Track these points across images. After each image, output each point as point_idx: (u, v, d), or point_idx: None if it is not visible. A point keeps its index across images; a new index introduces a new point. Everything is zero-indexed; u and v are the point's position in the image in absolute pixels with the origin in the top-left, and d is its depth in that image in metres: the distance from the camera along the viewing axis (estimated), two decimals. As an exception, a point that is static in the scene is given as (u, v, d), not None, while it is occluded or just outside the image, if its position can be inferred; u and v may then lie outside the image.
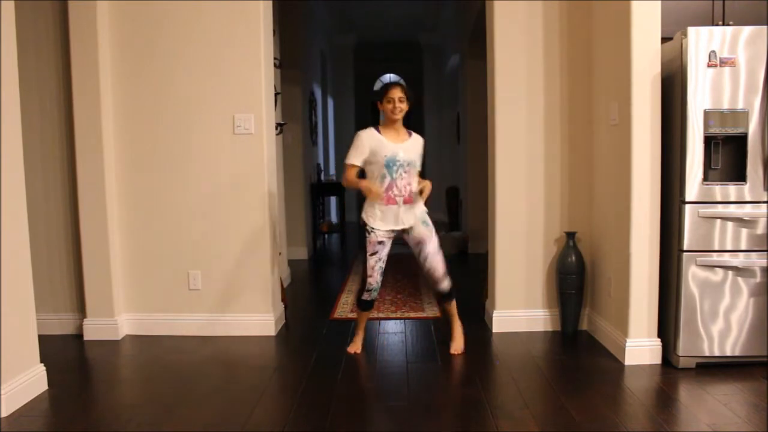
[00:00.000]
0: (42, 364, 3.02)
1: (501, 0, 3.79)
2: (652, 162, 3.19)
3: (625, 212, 3.27)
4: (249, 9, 3.76)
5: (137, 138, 3.87)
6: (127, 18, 3.79)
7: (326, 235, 8.50)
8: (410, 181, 3.36)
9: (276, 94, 4.80)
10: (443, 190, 8.38)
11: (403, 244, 3.51)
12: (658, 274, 3.24)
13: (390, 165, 3.31)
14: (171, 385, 3.12)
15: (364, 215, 3.44)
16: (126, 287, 3.95)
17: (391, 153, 3.32)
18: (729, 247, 3.12)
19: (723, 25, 3.36)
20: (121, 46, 3.81)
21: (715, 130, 3.07)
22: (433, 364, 3.38)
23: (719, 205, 3.11)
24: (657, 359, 3.25)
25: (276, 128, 4.48)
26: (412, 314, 4.36)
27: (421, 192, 3.36)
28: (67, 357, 3.57)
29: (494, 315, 3.91)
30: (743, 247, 3.12)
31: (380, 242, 3.41)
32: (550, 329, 3.92)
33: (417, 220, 3.40)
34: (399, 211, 3.36)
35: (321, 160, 8.43)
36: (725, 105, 3.07)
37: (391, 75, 12.83)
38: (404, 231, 3.42)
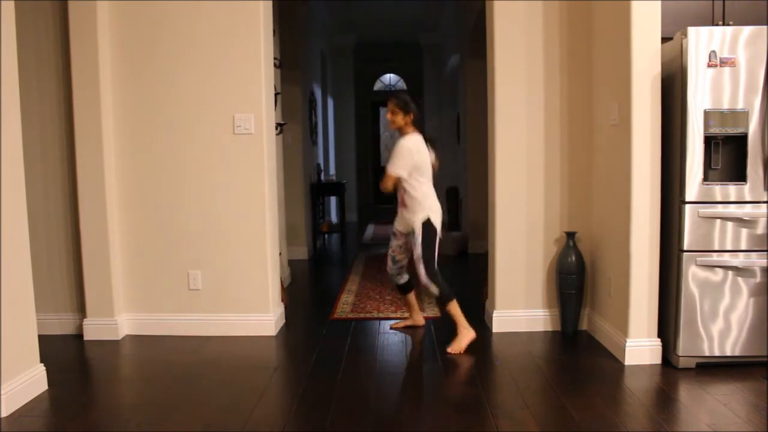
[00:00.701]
0: (42, 364, 3.02)
1: (501, 0, 3.79)
2: (652, 162, 3.19)
3: (625, 212, 3.27)
4: (249, 9, 3.76)
5: (137, 138, 3.87)
6: (127, 18, 3.79)
7: (326, 235, 8.50)
8: (405, 188, 3.64)
9: (276, 94, 4.80)
10: (443, 190, 8.38)
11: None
12: (658, 274, 3.24)
13: None
14: (171, 385, 3.11)
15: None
16: (126, 287, 3.95)
17: None
18: (729, 247, 3.12)
19: (723, 25, 3.36)
20: (121, 46, 3.81)
21: (715, 130, 3.07)
22: (433, 364, 3.38)
23: (719, 205, 3.11)
24: (657, 359, 3.25)
25: (276, 128, 4.47)
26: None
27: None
28: (67, 357, 3.57)
29: (494, 315, 3.91)
30: (743, 247, 3.12)
31: (393, 233, 3.87)
32: (550, 329, 3.92)
33: (407, 227, 3.68)
34: (401, 213, 3.75)
35: (321, 160, 8.43)
36: (725, 105, 3.07)
37: (391, 75, 12.85)
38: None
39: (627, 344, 3.25)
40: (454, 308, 3.59)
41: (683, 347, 3.16)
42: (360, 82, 11.72)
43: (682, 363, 3.17)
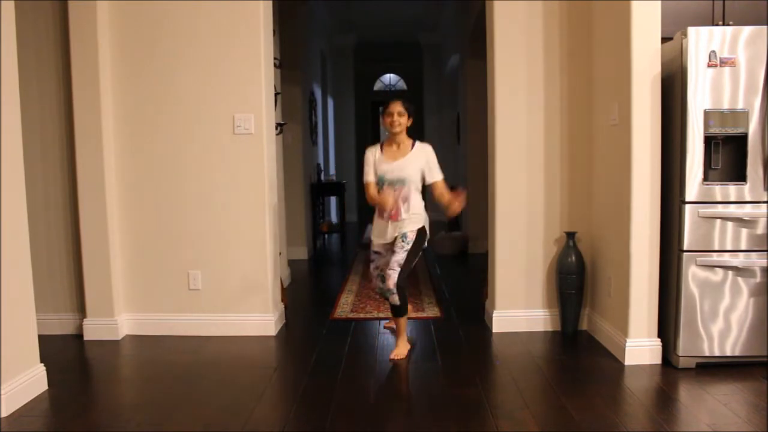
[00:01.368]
0: (42, 364, 3.02)
1: (501, 0, 3.79)
2: (652, 162, 3.19)
3: (625, 212, 3.27)
4: (249, 9, 3.76)
5: (137, 138, 3.87)
6: (127, 18, 3.79)
7: (326, 235, 8.50)
8: (413, 196, 3.48)
9: (276, 94, 4.80)
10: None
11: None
12: (658, 274, 3.24)
13: (380, 182, 3.51)
14: (171, 385, 3.11)
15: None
16: (126, 287, 3.95)
17: (381, 171, 3.50)
18: (729, 247, 3.12)
19: (723, 25, 3.36)
20: (121, 46, 3.81)
21: (715, 130, 3.07)
22: (433, 364, 3.37)
23: (719, 205, 3.11)
24: (657, 359, 3.25)
25: (276, 128, 4.47)
26: (412, 314, 4.35)
27: (448, 207, 3.47)
28: (67, 357, 3.57)
29: (494, 315, 3.91)
30: (743, 247, 3.12)
31: (376, 252, 3.66)
32: (550, 329, 3.92)
33: (398, 234, 3.49)
34: (386, 226, 3.53)
35: (321, 160, 8.43)
36: (725, 105, 3.07)
37: (391, 75, 12.85)
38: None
39: (627, 344, 3.25)
40: (404, 322, 3.52)
41: (683, 347, 3.16)
42: (360, 82, 11.71)
43: (682, 363, 3.17)
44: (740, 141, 3.08)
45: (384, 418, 2.72)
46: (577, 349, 3.62)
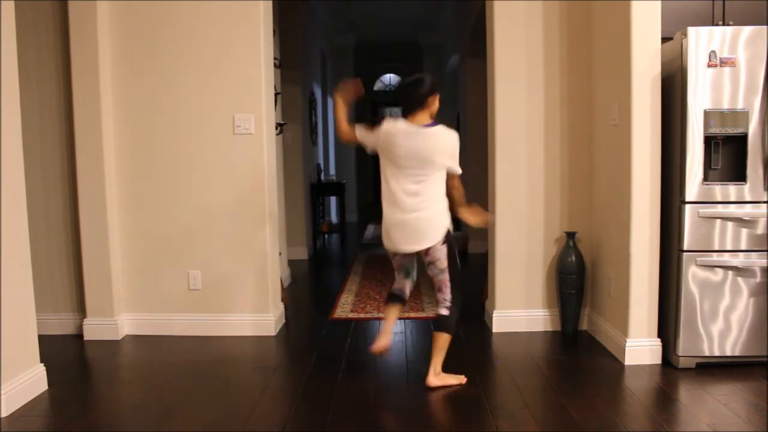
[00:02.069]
0: (42, 364, 3.02)
1: (501, 0, 3.78)
2: (652, 162, 3.19)
3: (625, 212, 3.27)
4: (249, 9, 3.76)
5: (137, 138, 3.87)
6: (127, 18, 3.79)
7: (326, 235, 8.50)
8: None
9: (276, 94, 4.80)
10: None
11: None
12: (658, 274, 3.24)
13: None
14: (171, 385, 3.11)
15: (449, 223, 2.99)
16: (126, 287, 3.94)
17: None
18: (729, 247, 3.12)
19: (723, 25, 3.36)
20: (121, 46, 3.81)
21: (715, 130, 3.07)
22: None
23: (719, 205, 3.11)
24: (657, 359, 3.25)
25: (276, 128, 4.47)
26: (412, 314, 4.36)
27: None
28: (67, 357, 3.57)
29: (494, 315, 3.91)
30: (743, 247, 3.12)
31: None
32: (550, 329, 3.92)
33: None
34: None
35: (321, 160, 8.43)
36: (725, 105, 3.07)
37: (391, 75, 12.85)
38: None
39: (627, 344, 3.25)
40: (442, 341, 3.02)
41: (683, 347, 3.16)
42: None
43: (682, 363, 3.17)
44: (740, 141, 3.08)
45: (384, 418, 2.72)
46: (577, 349, 3.62)
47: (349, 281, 5.54)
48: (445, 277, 2.96)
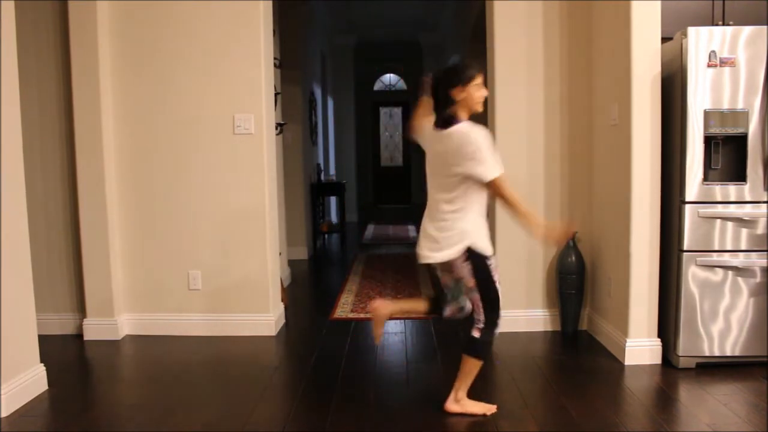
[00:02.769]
0: (42, 364, 3.02)
1: (501, 0, 3.79)
2: (652, 162, 3.19)
3: (625, 212, 3.27)
4: (249, 9, 3.76)
5: (137, 138, 3.87)
6: (127, 18, 3.79)
7: (326, 235, 8.50)
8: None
9: (276, 94, 4.80)
10: None
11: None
12: (658, 274, 3.24)
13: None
14: (171, 385, 3.11)
15: (476, 238, 2.58)
16: (126, 287, 3.95)
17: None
18: (729, 247, 3.12)
19: (723, 25, 3.36)
20: (122, 46, 3.81)
21: (715, 130, 3.07)
22: (433, 364, 3.37)
23: (719, 205, 3.11)
24: (657, 359, 3.25)
25: (276, 128, 4.47)
26: (412, 314, 4.35)
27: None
28: (67, 357, 3.57)
29: (494, 315, 3.91)
30: (743, 247, 3.12)
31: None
32: (550, 329, 3.92)
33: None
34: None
35: (321, 160, 8.43)
36: (725, 105, 3.07)
37: (391, 75, 12.85)
38: None
39: (627, 344, 3.25)
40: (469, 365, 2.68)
41: (683, 347, 3.16)
42: (360, 82, 11.71)
43: (682, 363, 3.17)
44: (740, 141, 3.08)
45: (384, 418, 2.72)
46: (577, 349, 3.62)
47: (349, 281, 5.54)
48: (476, 297, 2.59)
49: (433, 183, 2.63)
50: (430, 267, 2.69)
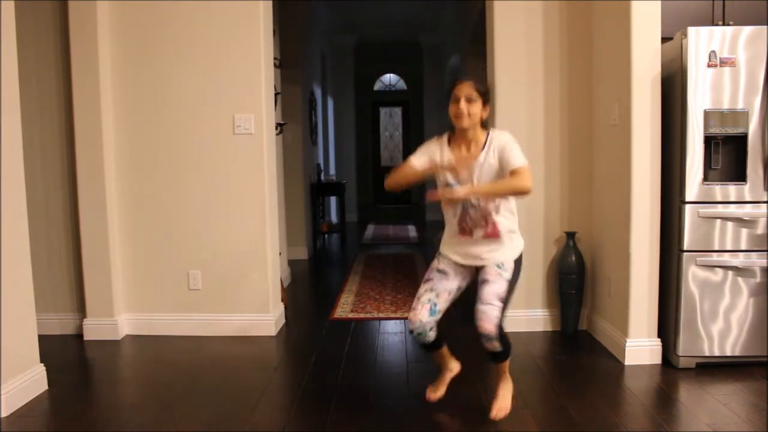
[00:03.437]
0: (42, 364, 3.02)
1: (501, 0, 3.79)
2: (652, 162, 3.20)
3: (625, 212, 3.27)
4: (249, 9, 3.76)
5: (137, 138, 3.87)
6: (127, 18, 3.79)
7: (326, 235, 8.50)
8: (490, 211, 2.54)
9: (276, 94, 4.79)
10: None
11: (464, 300, 2.77)
12: (658, 274, 3.24)
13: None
14: (171, 385, 3.11)
15: (444, 236, 2.71)
16: (126, 287, 3.95)
17: (448, 179, 2.53)
18: (729, 247, 3.12)
19: (723, 25, 3.36)
20: (122, 46, 3.81)
21: (715, 130, 3.07)
22: (433, 365, 3.37)
23: (719, 205, 3.11)
24: (657, 359, 3.25)
25: (276, 128, 4.47)
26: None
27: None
28: (67, 357, 3.57)
29: (494, 315, 3.91)
30: (743, 247, 3.12)
31: (440, 270, 2.62)
32: (550, 329, 3.92)
33: (492, 260, 2.56)
34: (474, 245, 2.58)
35: (321, 160, 8.43)
36: (725, 105, 3.07)
37: (391, 75, 12.85)
38: (477, 269, 2.61)
39: (627, 344, 3.25)
40: (506, 366, 2.68)
41: (683, 347, 3.16)
42: (360, 82, 11.71)
43: (682, 363, 3.17)
44: (740, 141, 3.08)
45: (384, 418, 2.72)
46: (577, 349, 3.62)
47: (349, 281, 5.54)
48: None
49: None
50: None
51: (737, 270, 3.12)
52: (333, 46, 10.49)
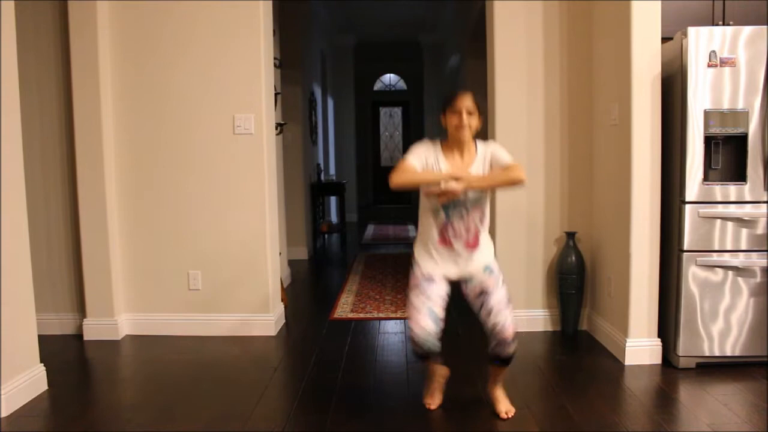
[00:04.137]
0: (42, 364, 3.02)
1: (501, 0, 3.79)
2: (652, 162, 3.19)
3: (625, 212, 3.27)
4: (249, 9, 3.76)
5: (137, 138, 3.87)
6: (127, 18, 3.79)
7: (326, 235, 8.50)
8: (475, 221, 2.57)
9: (276, 94, 4.80)
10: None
11: (462, 298, 2.71)
12: (658, 274, 3.24)
13: (445, 206, 2.55)
14: (171, 385, 3.12)
15: (415, 248, 2.70)
16: (126, 287, 3.95)
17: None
18: (729, 247, 3.12)
19: (723, 25, 3.36)
20: (121, 47, 3.81)
21: (715, 130, 3.07)
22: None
23: (719, 205, 3.11)
24: (657, 359, 3.25)
25: (276, 128, 4.47)
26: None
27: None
28: (67, 357, 3.57)
29: (494, 315, 3.91)
30: (743, 247, 3.12)
31: (425, 276, 2.60)
32: (550, 329, 3.92)
33: (477, 267, 2.60)
34: (457, 257, 2.59)
35: (321, 160, 8.43)
36: (725, 105, 3.07)
37: (391, 75, 12.86)
38: (463, 281, 2.64)
39: (627, 344, 3.25)
40: (504, 373, 2.72)
41: (683, 347, 3.16)
42: (360, 82, 11.72)
43: (682, 363, 3.17)
44: (740, 141, 3.08)
45: (384, 418, 2.72)
46: (577, 349, 3.62)
47: (349, 281, 5.54)
48: None
49: None
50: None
51: (737, 270, 3.12)
52: (333, 46, 10.49)
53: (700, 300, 3.14)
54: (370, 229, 9.40)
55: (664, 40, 3.23)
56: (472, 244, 2.58)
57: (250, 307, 3.91)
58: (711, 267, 3.13)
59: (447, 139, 2.60)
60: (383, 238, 8.49)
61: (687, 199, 3.11)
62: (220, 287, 3.90)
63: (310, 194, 7.19)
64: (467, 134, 2.53)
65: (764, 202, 3.10)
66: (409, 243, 7.95)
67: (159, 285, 3.93)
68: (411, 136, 12.59)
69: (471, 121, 2.53)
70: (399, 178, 2.47)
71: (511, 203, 3.86)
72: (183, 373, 3.28)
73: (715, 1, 3.45)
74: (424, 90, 11.01)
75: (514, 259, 3.89)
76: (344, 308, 4.58)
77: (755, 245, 3.11)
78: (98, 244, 3.81)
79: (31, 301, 2.96)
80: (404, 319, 4.24)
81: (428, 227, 2.62)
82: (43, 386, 3.00)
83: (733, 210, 3.11)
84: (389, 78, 12.95)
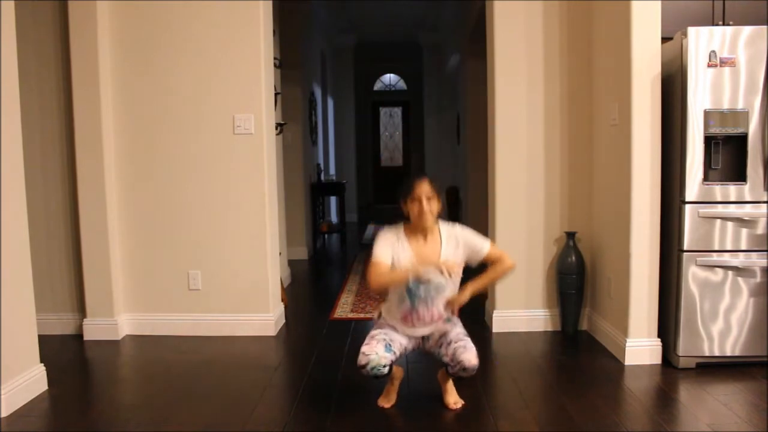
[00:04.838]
0: (42, 364, 3.02)
1: (501, 0, 3.79)
2: (652, 162, 3.19)
3: (625, 212, 3.27)
4: (249, 9, 3.76)
5: (137, 138, 3.87)
6: (127, 18, 3.79)
7: (326, 235, 8.50)
8: (439, 308, 2.66)
9: (276, 94, 4.79)
10: (443, 190, 8.37)
11: (424, 354, 2.83)
12: (658, 274, 3.24)
13: (412, 290, 2.60)
14: (171, 385, 3.11)
15: (382, 309, 2.80)
16: (126, 287, 3.94)
17: (415, 275, 2.56)
18: (729, 247, 3.12)
19: (723, 25, 3.36)
20: (122, 47, 3.81)
21: (715, 130, 3.07)
22: (433, 364, 3.36)
23: (719, 205, 3.11)
24: (657, 359, 3.25)
25: (276, 128, 4.47)
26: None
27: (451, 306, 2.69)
28: (67, 357, 3.57)
29: (494, 315, 3.91)
30: (743, 247, 3.12)
31: (390, 325, 2.73)
32: (550, 329, 3.92)
33: (438, 326, 2.72)
34: (420, 330, 2.72)
35: (321, 160, 8.43)
36: (725, 105, 3.07)
37: (391, 75, 12.85)
38: (424, 338, 2.75)
39: (627, 344, 3.25)
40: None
41: (683, 347, 3.16)
42: (360, 82, 11.72)
43: (682, 363, 3.17)
44: (740, 141, 3.08)
45: (384, 418, 2.72)
46: (577, 349, 3.62)
47: (349, 281, 5.54)
48: None
49: None
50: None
51: (737, 270, 3.12)
52: (333, 46, 10.49)
53: (700, 300, 3.14)
54: (370, 229, 9.39)
55: (664, 40, 3.23)
56: (436, 321, 2.70)
57: (250, 307, 3.91)
58: (711, 267, 3.13)
59: (410, 223, 2.67)
60: (383, 238, 8.46)
61: (687, 199, 3.11)
62: (220, 287, 3.90)
63: (310, 194, 7.20)
64: (430, 220, 2.61)
65: (764, 202, 3.10)
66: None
67: (159, 285, 3.93)
68: (411, 136, 12.59)
69: (431, 207, 2.60)
70: (377, 281, 2.59)
71: (511, 203, 3.86)
72: (183, 373, 3.28)
73: (715, 1, 3.45)
74: (424, 90, 11.00)
75: (514, 259, 3.87)
76: (344, 308, 4.58)
77: (755, 245, 3.11)
78: (98, 244, 3.81)
79: (31, 301, 2.95)
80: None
81: (395, 304, 2.70)
82: (43, 386, 3.00)
83: (733, 210, 3.11)
84: (389, 78, 12.95)
